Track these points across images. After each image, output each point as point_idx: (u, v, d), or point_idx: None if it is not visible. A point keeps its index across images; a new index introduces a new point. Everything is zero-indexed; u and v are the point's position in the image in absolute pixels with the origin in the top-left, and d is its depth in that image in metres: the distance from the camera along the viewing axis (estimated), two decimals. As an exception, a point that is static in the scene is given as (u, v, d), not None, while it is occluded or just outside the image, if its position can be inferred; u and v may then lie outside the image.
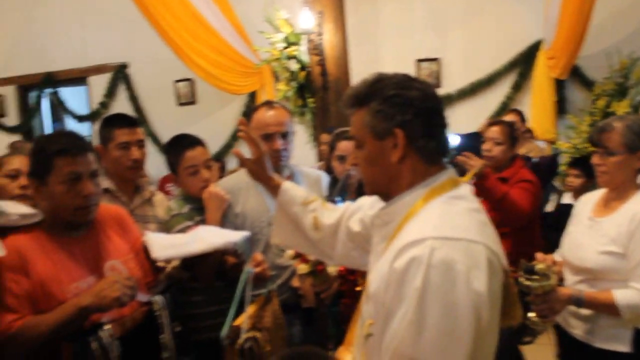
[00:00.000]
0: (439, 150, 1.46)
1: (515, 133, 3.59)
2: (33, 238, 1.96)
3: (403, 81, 1.45)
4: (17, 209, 1.97)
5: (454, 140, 3.34)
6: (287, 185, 1.98)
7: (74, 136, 2.05)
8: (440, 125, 1.46)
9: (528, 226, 3.35)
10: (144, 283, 2.15)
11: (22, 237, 1.94)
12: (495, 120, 3.82)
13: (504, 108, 6.40)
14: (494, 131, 3.52)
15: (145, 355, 1.95)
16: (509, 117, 5.33)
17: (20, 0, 8.61)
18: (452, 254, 1.26)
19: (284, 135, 2.60)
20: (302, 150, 6.13)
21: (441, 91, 6.59)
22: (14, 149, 6.40)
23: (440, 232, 1.30)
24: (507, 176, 3.44)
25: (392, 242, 1.39)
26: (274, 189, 1.99)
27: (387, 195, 1.50)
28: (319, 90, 5.67)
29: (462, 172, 4.20)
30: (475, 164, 3.20)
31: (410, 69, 6.62)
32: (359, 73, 5.92)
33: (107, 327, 1.84)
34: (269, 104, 2.69)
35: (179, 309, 2.15)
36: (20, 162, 2.45)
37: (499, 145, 3.48)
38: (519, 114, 5.64)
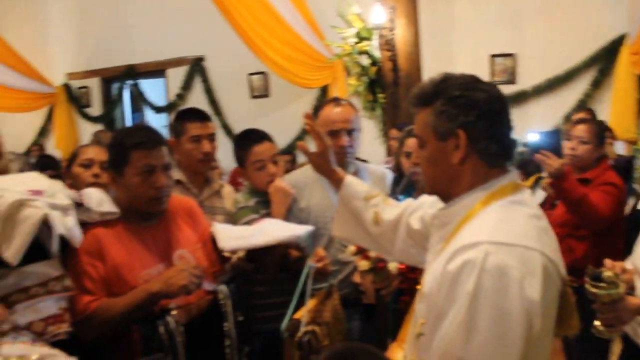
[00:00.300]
0: (502, 153, 1.45)
1: (603, 133, 3.45)
2: (110, 227, 2.08)
3: (469, 82, 1.45)
4: (101, 207, 2.08)
5: (532, 137, 3.24)
6: (350, 180, 2.01)
7: (149, 130, 2.16)
8: (504, 128, 1.45)
9: (609, 231, 3.22)
10: (210, 272, 2.24)
11: (100, 225, 2.06)
12: (582, 118, 3.67)
13: (582, 105, 6.15)
14: (581, 129, 3.38)
15: (209, 342, 2.03)
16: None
17: (106, -2, 9.04)
18: (507, 260, 1.25)
19: (350, 132, 2.63)
20: (371, 145, 6.15)
21: (515, 87, 6.42)
22: (96, 137, 6.74)
23: (496, 237, 1.29)
24: (591, 177, 3.32)
25: (449, 244, 1.40)
26: (337, 182, 2.03)
27: (446, 196, 1.51)
28: (390, 86, 5.66)
29: (530, 171, 4.10)
30: (553, 163, 3.10)
31: (484, 65, 6.48)
32: (431, 69, 5.88)
33: (173, 312, 1.94)
34: (335, 100, 2.73)
35: (243, 299, 2.22)
36: (94, 152, 2.60)
37: (585, 144, 3.35)
38: (591, 113, 5.43)
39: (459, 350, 1.26)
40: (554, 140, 3.26)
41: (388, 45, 5.60)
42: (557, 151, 3.21)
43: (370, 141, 6.15)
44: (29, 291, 1.84)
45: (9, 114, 9.14)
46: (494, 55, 6.63)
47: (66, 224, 1.91)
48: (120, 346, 1.94)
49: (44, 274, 1.88)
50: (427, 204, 1.81)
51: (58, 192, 1.97)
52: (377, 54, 5.78)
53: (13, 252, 1.76)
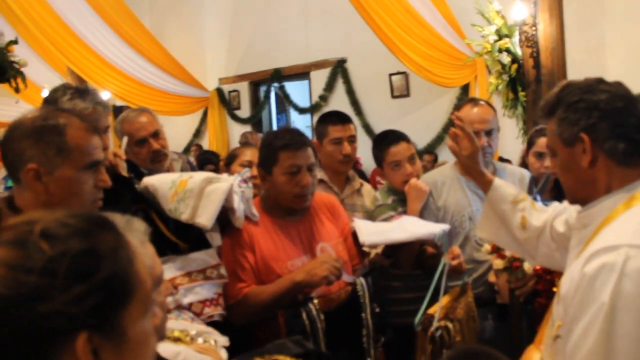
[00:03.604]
0: (634, 151, 1.43)
1: None
2: (259, 221, 2.29)
3: (589, 85, 1.46)
4: (250, 209, 2.30)
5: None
6: (498, 182, 2.03)
7: (296, 133, 2.34)
8: (632, 126, 1.43)
9: None
10: (349, 265, 2.37)
11: (251, 220, 2.28)
12: None
13: None
14: None
15: (347, 330, 2.16)
16: None
17: (254, 6, 9.55)
18: None
19: (488, 133, 2.64)
20: (513, 144, 5.98)
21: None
22: (244, 137, 7.20)
23: (637, 241, 1.27)
24: None
25: (588, 246, 1.39)
26: (485, 184, 2.06)
27: (586, 201, 1.51)
28: (531, 83, 5.49)
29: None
30: None
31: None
32: (580, 62, 5.60)
33: (315, 301, 2.11)
34: (473, 101, 2.75)
35: (379, 292, 2.33)
36: (251, 154, 2.83)
37: None
38: None
39: (601, 357, 1.24)
40: None
41: (529, 41, 5.43)
42: None
43: (511, 140, 5.98)
44: (191, 276, 2.09)
45: (168, 118, 9.97)
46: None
47: (239, 204, 2.17)
48: (266, 329, 2.13)
49: (203, 261, 2.13)
50: (573, 207, 1.79)
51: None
52: (518, 51, 5.63)
53: (207, 217, 2.04)
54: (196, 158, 7.67)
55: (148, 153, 2.73)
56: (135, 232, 1.17)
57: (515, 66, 5.61)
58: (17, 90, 5.19)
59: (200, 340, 1.77)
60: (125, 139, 2.65)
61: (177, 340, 1.74)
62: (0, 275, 0.72)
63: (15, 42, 5.14)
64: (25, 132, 1.54)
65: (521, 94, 5.63)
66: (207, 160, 5.50)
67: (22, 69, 5.16)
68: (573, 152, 1.46)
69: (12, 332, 0.72)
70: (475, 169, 2.08)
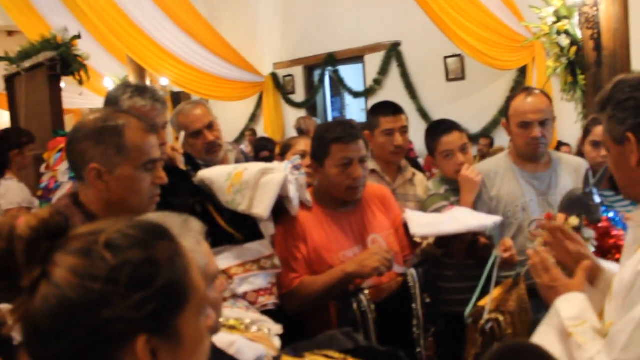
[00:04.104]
0: None
1: None
2: (312, 212, 2.34)
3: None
4: (305, 195, 2.35)
5: None
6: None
7: (348, 125, 2.37)
8: None
9: None
10: (400, 256, 2.40)
11: (304, 211, 2.32)
12: None
13: None
14: None
15: (397, 320, 2.20)
16: None
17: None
18: None
19: (542, 123, 2.60)
20: (572, 129, 5.82)
21: None
22: (297, 123, 7.27)
23: None
24: None
25: None
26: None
27: (638, 199, 1.50)
28: (591, 66, 5.30)
29: None
30: None
31: None
32: (644, 45, 5.38)
33: (366, 292, 2.14)
34: (527, 90, 2.71)
35: (430, 282, 2.34)
36: (305, 144, 2.88)
37: None
38: None
39: None
40: None
41: (590, 22, 5.23)
42: None
43: (570, 124, 5.82)
44: (246, 266, 2.16)
45: (224, 103, 10.14)
46: None
47: (294, 193, 2.23)
48: (318, 319, 2.19)
49: (257, 252, 2.20)
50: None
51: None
52: (578, 33, 5.44)
53: (263, 208, 2.11)
54: (252, 144, 7.81)
55: (203, 144, 2.81)
56: (191, 231, 1.24)
57: (574, 49, 5.44)
58: (80, 82, 5.41)
59: (254, 328, 1.84)
60: (182, 133, 2.74)
61: (232, 328, 1.81)
62: (70, 281, 0.79)
63: (78, 36, 5.34)
64: (87, 134, 1.63)
65: (580, 77, 5.46)
66: (262, 147, 5.57)
67: (86, 61, 5.36)
68: (623, 150, 1.44)
69: (80, 334, 0.79)
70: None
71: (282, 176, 2.15)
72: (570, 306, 1.52)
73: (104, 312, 0.78)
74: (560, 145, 6.13)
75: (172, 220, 1.20)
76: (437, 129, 2.81)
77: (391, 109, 2.88)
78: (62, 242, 0.83)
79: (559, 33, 5.49)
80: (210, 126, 2.86)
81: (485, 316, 2.02)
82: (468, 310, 2.10)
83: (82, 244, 0.82)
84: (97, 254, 0.81)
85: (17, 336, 2.33)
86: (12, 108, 6.24)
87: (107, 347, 0.80)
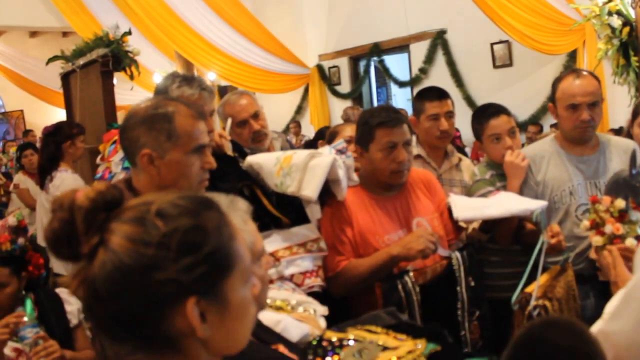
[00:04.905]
0: None
1: None
2: (357, 196, 2.37)
3: None
4: (352, 175, 2.39)
5: None
6: None
7: (392, 110, 2.40)
8: None
9: None
10: (445, 240, 2.41)
11: (350, 195, 2.36)
12: None
13: None
14: None
15: (441, 303, 2.21)
16: None
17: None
18: None
19: (592, 105, 2.56)
20: (625, 113, 5.67)
21: None
22: (345, 114, 7.28)
23: None
24: None
25: None
26: None
27: None
28: (645, 48, 5.16)
29: None
30: None
31: None
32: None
33: (411, 274, 2.17)
34: (575, 72, 2.67)
35: (475, 266, 2.34)
36: (351, 130, 2.90)
37: None
38: None
39: None
40: None
41: (644, 1, 5.09)
42: None
43: (623, 109, 5.66)
44: (292, 249, 2.21)
45: (270, 96, 10.25)
46: None
47: (343, 176, 2.27)
48: (364, 300, 2.22)
49: (304, 235, 2.25)
50: None
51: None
52: (631, 12, 5.27)
53: (312, 189, 2.16)
54: (296, 136, 7.89)
55: (249, 133, 2.88)
56: (238, 210, 1.29)
57: (627, 29, 5.27)
58: (131, 77, 5.56)
59: (300, 309, 1.89)
60: (229, 121, 2.81)
61: (278, 309, 1.87)
62: (125, 247, 0.86)
63: (129, 33, 5.49)
64: (139, 120, 1.70)
65: (634, 59, 5.30)
66: (322, 135, 5.69)
67: (136, 58, 5.51)
68: None
69: (134, 296, 0.85)
70: None
71: (331, 159, 2.20)
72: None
73: (156, 275, 0.84)
74: (612, 132, 5.96)
75: (219, 200, 1.26)
76: (485, 112, 2.79)
77: (437, 93, 2.88)
78: (117, 213, 0.90)
79: (610, 14, 5.33)
80: (256, 115, 2.92)
81: (533, 302, 2.01)
82: (515, 296, 2.10)
83: (136, 214, 0.89)
84: (149, 222, 0.87)
85: (73, 319, 2.45)
86: (68, 105, 6.46)
87: (159, 308, 0.86)
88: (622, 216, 2.12)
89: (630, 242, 2.08)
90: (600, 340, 1.08)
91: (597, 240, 2.12)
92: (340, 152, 2.31)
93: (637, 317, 1.29)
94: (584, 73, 2.64)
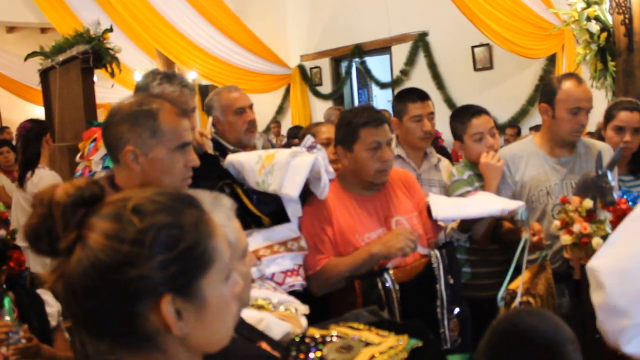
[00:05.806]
0: None
1: None
2: (337, 195, 2.38)
3: None
4: (328, 167, 2.40)
5: None
6: None
7: (373, 110, 2.42)
8: None
9: None
10: (424, 238, 2.44)
11: (330, 194, 2.36)
12: None
13: None
14: None
15: (421, 300, 2.23)
16: None
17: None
18: None
19: (588, 111, 2.63)
20: (600, 117, 5.75)
21: None
22: (329, 115, 7.29)
23: None
24: None
25: None
26: None
27: None
28: (622, 52, 5.22)
29: None
30: None
31: None
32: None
33: (390, 272, 2.19)
34: (575, 76, 2.70)
35: (454, 264, 2.36)
36: (328, 131, 2.91)
37: None
38: None
39: None
40: None
41: (621, 7, 5.16)
42: None
43: (599, 113, 5.76)
44: (273, 248, 2.22)
45: (252, 95, 10.15)
46: None
47: (324, 177, 2.28)
48: (344, 299, 2.23)
49: (285, 234, 2.26)
50: None
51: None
52: (609, 18, 5.37)
53: (293, 188, 2.17)
54: (277, 136, 7.93)
55: (244, 123, 2.89)
56: (222, 207, 1.29)
57: (604, 35, 5.36)
58: (112, 74, 5.52)
59: (282, 308, 1.89)
60: (210, 120, 2.80)
61: (260, 307, 1.87)
62: (101, 243, 0.85)
63: (110, 30, 5.45)
64: (124, 117, 1.70)
65: (611, 64, 5.39)
66: (294, 135, 5.79)
67: (117, 55, 5.47)
68: None
69: (109, 292, 0.85)
70: None
71: (312, 158, 2.21)
72: None
73: (130, 272, 0.84)
74: (588, 135, 6.05)
75: (203, 197, 1.25)
76: (467, 111, 2.81)
77: (418, 95, 2.89)
78: (96, 209, 0.89)
79: (589, 19, 5.41)
80: (251, 107, 2.95)
81: (518, 299, 2.04)
82: (500, 293, 2.12)
83: (113, 210, 0.88)
84: (125, 218, 0.86)
85: (52, 321, 2.41)
86: (47, 102, 6.40)
87: (134, 305, 0.85)
88: (590, 216, 2.16)
89: (596, 241, 2.12)
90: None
91: (565, 239, 2.16)
92: (311, 147, 2.32)
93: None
94: (582, 79, 2.69)
